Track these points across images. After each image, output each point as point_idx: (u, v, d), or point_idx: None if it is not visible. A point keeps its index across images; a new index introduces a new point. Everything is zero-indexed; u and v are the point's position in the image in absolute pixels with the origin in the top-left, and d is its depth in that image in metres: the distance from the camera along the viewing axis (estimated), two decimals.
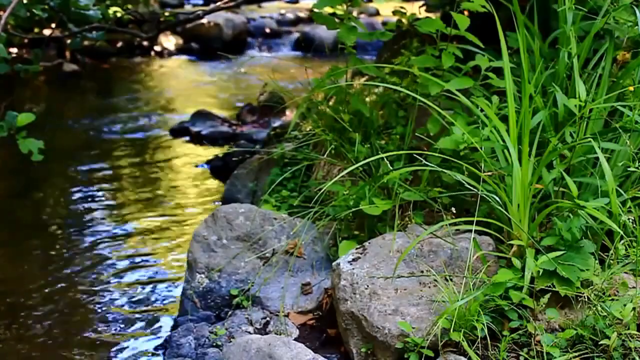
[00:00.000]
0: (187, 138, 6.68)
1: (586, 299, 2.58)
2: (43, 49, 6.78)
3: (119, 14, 8.64)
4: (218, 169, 5.76)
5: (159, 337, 3.46)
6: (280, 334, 3.00)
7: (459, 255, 2.85)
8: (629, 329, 2.44)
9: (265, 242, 3.39)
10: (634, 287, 2.58)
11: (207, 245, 3.41)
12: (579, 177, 2.91)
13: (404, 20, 4.33)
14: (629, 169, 2.86)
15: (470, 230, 2.73)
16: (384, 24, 4.81)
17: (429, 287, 2.77)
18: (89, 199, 5.25)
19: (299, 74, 4.61)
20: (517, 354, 2.56)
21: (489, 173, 2.87)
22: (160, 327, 3.58)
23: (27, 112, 3.87)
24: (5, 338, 3.48)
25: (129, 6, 9.14)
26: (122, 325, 3.61)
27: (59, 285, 3.99)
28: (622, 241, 2.66)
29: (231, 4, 8.51)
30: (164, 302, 3.84)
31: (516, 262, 2.66)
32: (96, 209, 5.06)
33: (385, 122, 3.95)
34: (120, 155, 6.24)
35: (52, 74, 8.87)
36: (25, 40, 7.36)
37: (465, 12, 3.54)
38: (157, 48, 10.59)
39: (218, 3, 8.30)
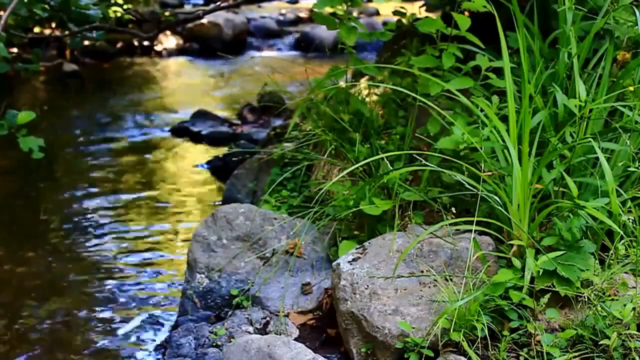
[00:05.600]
0: (187, 138, 6.68)
1: (586, 299, 2.58)
2: (43, 48, 6.78)
3: (119, 14, 8.64)
4: (218, 169, 5.76)
5: (159, 337, 3.46)
6: (280, 334, 3.00)
7: (459, 255, 2.85)
8: (629, 329, 2.44)
9: (265, 242, 3.39)
10: (634, 287, 2.58)
11: (207, 245, 3.41)
12: (579, 177, 2.91)
13: (404, 20, 4.33)
14: (629, 169, 2.87)
15: (470, 230, 2.73)
16: (384, 24, 4.81)
17: (429, 287, 2.77)
18: (89, 199, 5.25)
19: (299, 74, 4.60)
20: (517, 354, 2.56)
21: (489, 173, 2.87)
22: (160, 327, 3.58)
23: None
24: (5, 338, 3.48)
25: (129, 6, 9.14)
26: (122, 325, 3.61)
27: (59, 285, 4.00)
28: (622, 241, 2.66)
29: (231, 3, 8.51)
30: (164, 302, 3.84)
31: (516, 262, 2.66)
32: (96, 209, 5.06)
33: (385, 122, 3.95)
34: (120, 155, 6.24)
35: (52, 74, 8.87)
36: (25, 40, 7.36)
37: (466, 12, 3.54)
38: (157, 48, 10.58)
39: (218, 3, 8.31)
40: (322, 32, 10.30)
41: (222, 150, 6.13)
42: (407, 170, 3.15)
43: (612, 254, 2.67)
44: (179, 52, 10.64)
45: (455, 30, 3.44)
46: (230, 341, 2.96)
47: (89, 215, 4.96)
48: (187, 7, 12.43)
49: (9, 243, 4.54)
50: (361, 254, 2.97)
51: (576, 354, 2.47)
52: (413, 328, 2.60)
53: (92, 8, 5.87)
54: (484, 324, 2.50)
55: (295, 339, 2.96)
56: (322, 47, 8.55)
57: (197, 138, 6.63)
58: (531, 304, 2.60)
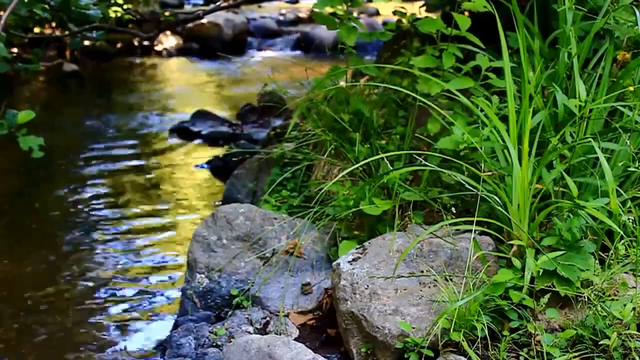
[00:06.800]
0: (187, 138, 6.68)
1: (586, 299, 2.58)
2: (43, 48, 6.77)
3: (119, 14, 8.65)
4: (218, 169, 5.76)
5: (159, 337, 3.46)
6: (280, 334, 3.00)
7: (459, 255, 2.85)
8: (629, 329, 2.44)
9: (265, 242, 3.39)
10: (634, 287, 2.58)
11: (207, 245, 3.41)
12: (579, 177, 2.91)
13: (404, 20, 4.32)
14: (629, 169, 2.86)
15: (470, 230, 2.73)
16: (384, 24, 4.81)
17: (429, 287, 2.77)
18: (89, 199, 5.25)
19: (299, 74, 4.61)
20: (517, 354, 2.56)
21: (489, 173, 2.87)
22: (160, 327, 3.58)
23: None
24: (5, 338, 3.48)
25: (129, 6, 9.14)
26: (122, 325, 3.61)
27: (59, 285, 4.00)
28: (622, 241, 2.66)
29: (231, 3, 8.51)
30: (164, 302, 3.84)
31: (516, 262, 2.66)
32: (96, 209, 5.06)
33: (385, 122, 3.95)
34: (120, 156, 6.24)
35: (52, 74, 8.87)
36: (25, 40, 7.36)
37: (466, 13, 3.54)
38: (157, 48, 10.59)
39: (218, 3, 8.30)
40: (322, 32, 10.31)
41: (222, 150, 6.13)
42: (407, 170, 3.15)
43: (612, 254, 2.67)
44: (179, 52, 10.65)
45: (455, 30, 3.44)
46: (230, 341, 2.96)
47: (88, 215, 4.96)
48: (187, 7, 12.44)
49: (8, 243, 4.54)
50: (361, 254, 2.97)
51: (576, 354, 2.47)
52: (413, 328, 2.60)
53: (92, 8, 5.87)
54: (484, 324, 2.50)
55: (295, 339, 2.96)
56: (322, 47, 8.57)
57: (197, 138, 6.64)
58: (531, 304, 2.60)
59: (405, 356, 2.59)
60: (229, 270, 3.34)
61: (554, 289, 2.58)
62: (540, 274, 2.61)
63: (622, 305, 2.46)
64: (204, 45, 10.52)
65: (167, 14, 10.14)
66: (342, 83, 3.99)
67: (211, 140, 6.56)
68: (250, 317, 3.14)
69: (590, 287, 2.59)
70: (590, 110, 2.95)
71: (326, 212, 3.38)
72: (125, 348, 3.39)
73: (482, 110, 3.07)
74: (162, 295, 3.92)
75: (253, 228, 3.41)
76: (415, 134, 3.49)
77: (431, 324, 2.59)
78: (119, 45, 10.27)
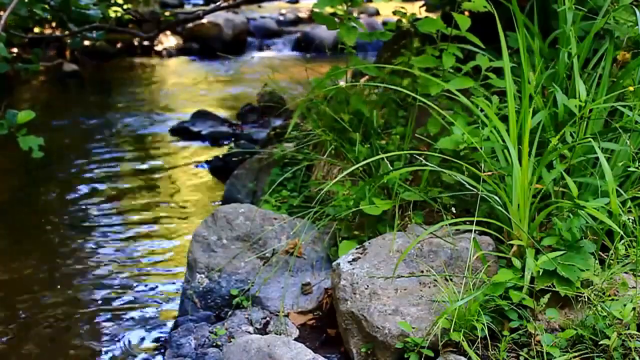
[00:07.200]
0: (187, 138, 6.68)
1: (586, 299, 2.58)
2: (43, 48, 6.77)
3: (119, 14, 8.65)
4: (218, 169, 5.76)
5: (159, 337, 3.46)
6: (280, 334, 3.00)
7: (459, 255, 2.85)
8: (629, 329, 2.44)
9: (265, 242, 3.39)
10: (634, 287, 2.58)
11: (207, 245, 3.41)
12: (579, 177, 2.91)
13: (404, 20, 4.33)
14: (629, 169, 2.87)
15: (470, 230, 2.73)
16: (384, 24, 4.81)
17: (429, 287, 2.77)
18: (88, 198, 5.25)
19: (299, 74, 4.61)
20: (517, 354, 2.56)
21: (489, 173, 2.87)
22: (160, 327, 3.58)
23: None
24: (5, 338, 3.48)
25: (129, 6, 9.15)
26: (122, 325, 3.61)
27: (59, 286, 3.99)
28: (622, 241, 2.66)
29: (231, 3, 8.51)
30: (164, 302, 3.84)
31: (516, 262, 2.66)
32: (96, 209, 5.06)
33: (385, 122, 3.95)
34: (120, 156, 6.24)
35: (52, 74, 8.87)
36: (25, 40, 7.37)
37: (466, 12, 3.54)
38: (157, 48, 10.59)
39: (218, 3, 8.30)
40: (322, 32, 10.32)
41: (222, 150, 6.13)
42: (407, 170, 3.15)
43: (612, 254, 2.67)
44: (179, 52, 10.65)
45: (455, 30, 3.44)
46: (230, 341, 2.96)
47: (88, 215, 4.96)
48: (187, 7, 12.46)
49: (8, 242, 4.54)
50: (361, 254, 2.97)
51: (576, 354, 2.47)
52: (413, 328, 2.60)
53: (92, 8, 5.88)
54: (484, 324, 2.50)
55: (295, 339, 2.96)
56: (322, 47, 8.57)
57: (197, 138, 6.64)
58: (531, 304, 2.60)
59: (405, 356, 2.59)
60: (229, 270, 3.34)
61: (554, 289, 2.58)
62: (540, 274, 2.61)
63: (622, 305, 2.46)
64: (204, 45, 10.52)
65: (167, 14, 10.14)
66: (342, 83, 3.99)
67: (211, 140, 6.56)
68: (250, 317, 3.14)
69: (590, 287, 2.59)
70: (590, 110, 2.95)
71: (326, 212, 3.38)
72: (126, 348, 3.40)
73: (482, 110, 3.07)
74: (162, 295, 3.92)
75: (253, 228, 3.41)
76: (415, 134, 3.49)
77: (431, 324, 2.59)
78: (119, 45, 10.27)
